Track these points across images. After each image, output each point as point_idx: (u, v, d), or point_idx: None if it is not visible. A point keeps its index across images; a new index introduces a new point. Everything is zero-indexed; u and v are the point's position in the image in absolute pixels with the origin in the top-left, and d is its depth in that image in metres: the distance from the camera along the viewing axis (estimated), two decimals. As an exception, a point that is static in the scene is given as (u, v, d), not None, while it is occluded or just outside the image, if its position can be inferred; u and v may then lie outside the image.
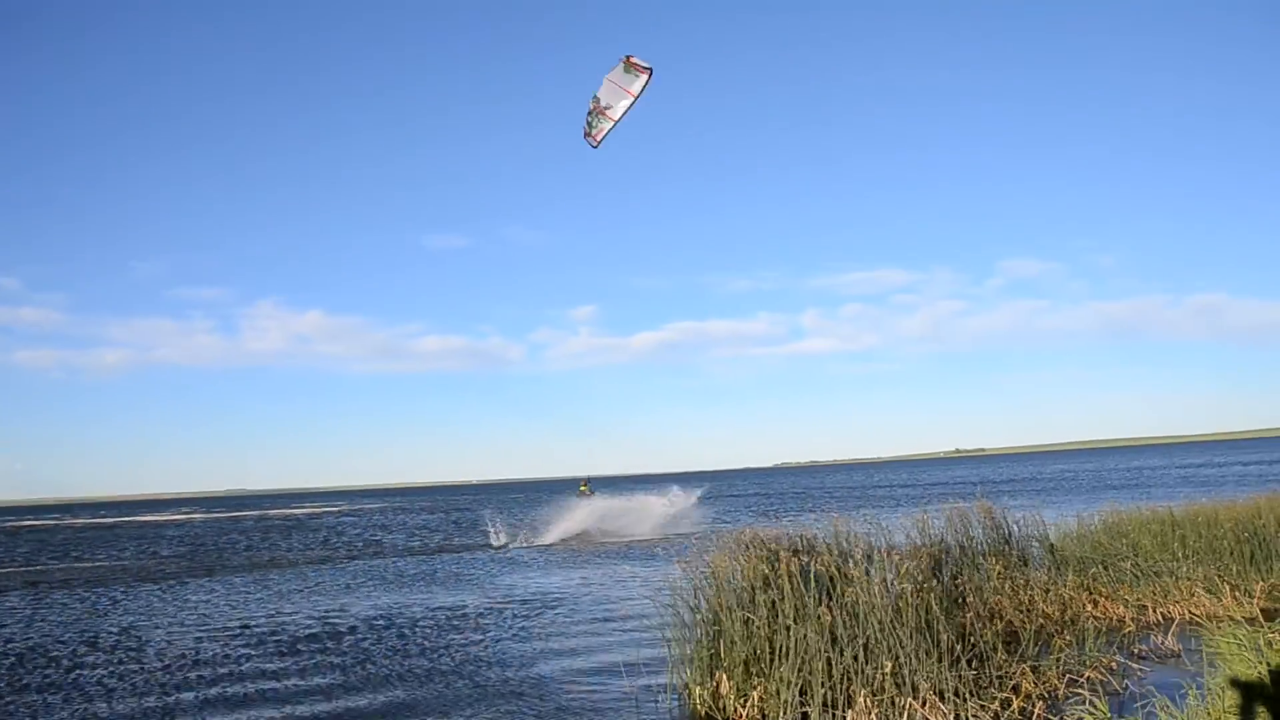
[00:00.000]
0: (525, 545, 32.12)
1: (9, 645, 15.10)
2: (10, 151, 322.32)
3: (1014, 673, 8.43)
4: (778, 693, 7.99)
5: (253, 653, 13.47)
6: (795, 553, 9.40)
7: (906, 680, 7.65)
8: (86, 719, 10.19)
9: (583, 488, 55.53)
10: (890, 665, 7.71)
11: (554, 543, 32.46)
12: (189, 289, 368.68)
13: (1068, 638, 10.18)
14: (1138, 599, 12.28)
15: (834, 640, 8.06)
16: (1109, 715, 6.66)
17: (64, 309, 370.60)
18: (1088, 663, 9.23)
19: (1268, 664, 7.07)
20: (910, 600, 8.43)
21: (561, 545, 31.43)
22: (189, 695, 11.01)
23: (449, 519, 58.14)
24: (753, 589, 9.01)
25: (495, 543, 33.22)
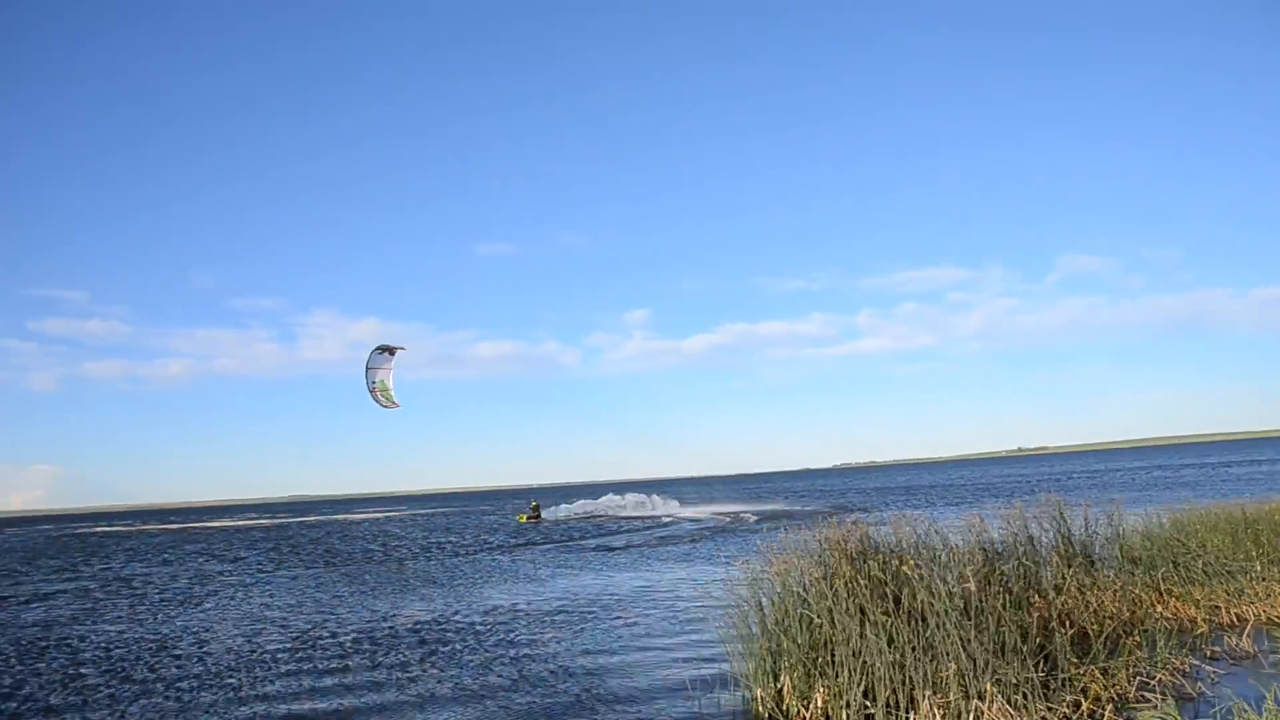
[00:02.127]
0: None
1: (87, 643, 15.64)
2: (65, 162, 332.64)
3: (1082, 675, 8.27)
4: (840, 694, 7.96)
5: (312, 653, 13.76)
6: (858, 553, 9.33)
7: (972, 683, 7.56)
8: (162, 710, 10.53)
9: (533, 511, 52.58)
10: (956, 667, 7.63)
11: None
12: (247, 299, 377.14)
13: (1137, 639, 9.96)
14: (1209, 599, 11.94)
15: (898, 642, 7.99)
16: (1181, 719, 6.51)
17: (129, 320, 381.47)
18: (1159, 665, 9.02)
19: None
20: (975, 601, 8.33)
21: (623, 549, 31.52)
22: (254, 691, 11.29)
23: (505, 521, 58.69)
24: (816, 589, 8.97)
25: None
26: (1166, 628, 10.74)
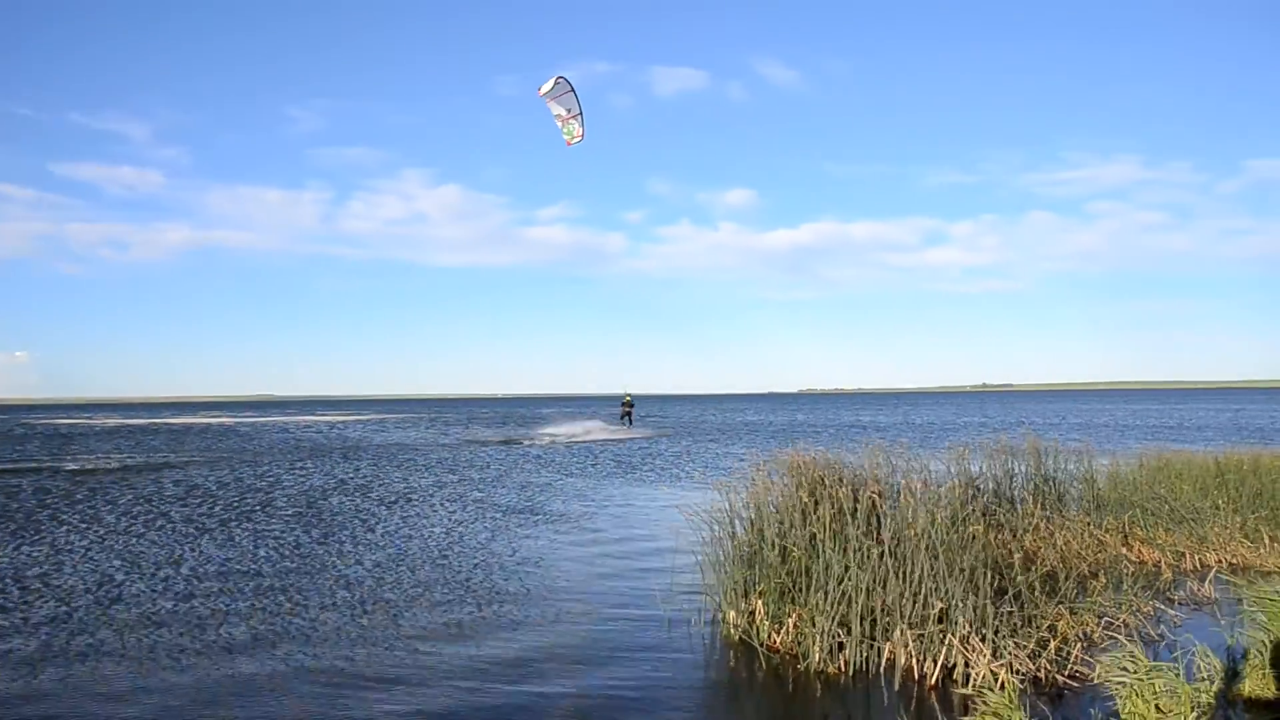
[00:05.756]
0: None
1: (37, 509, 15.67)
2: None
3: (1050, 614, 8.39)
4: (813, 621, 8.04)
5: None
6: (837, 481, 9.35)
7: (946, 616, 7.66)
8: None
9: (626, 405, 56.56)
10: (929, 599, 7.71)
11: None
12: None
13: (1103, 580, 10.13)
14: (1174, 545, 12.18)
15: (873, 571, 8.06)
16: (1148, 661, 6.62)
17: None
18: (1124, 607, 9.19)
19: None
20: (950, 535, 8.39)
21: (594, 468, 31.71)
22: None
23: (463, 428, 58.82)
24: (792, 515, 9.00)
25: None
26: (1132, 571, 10.93)
